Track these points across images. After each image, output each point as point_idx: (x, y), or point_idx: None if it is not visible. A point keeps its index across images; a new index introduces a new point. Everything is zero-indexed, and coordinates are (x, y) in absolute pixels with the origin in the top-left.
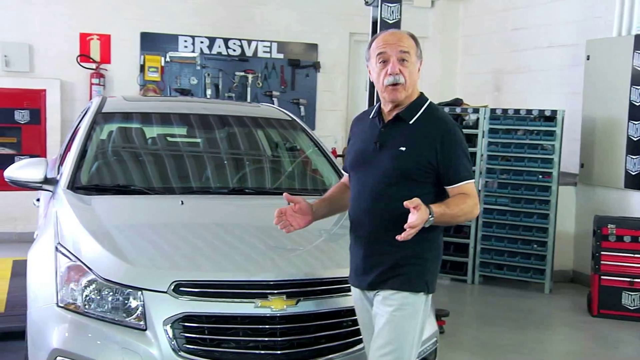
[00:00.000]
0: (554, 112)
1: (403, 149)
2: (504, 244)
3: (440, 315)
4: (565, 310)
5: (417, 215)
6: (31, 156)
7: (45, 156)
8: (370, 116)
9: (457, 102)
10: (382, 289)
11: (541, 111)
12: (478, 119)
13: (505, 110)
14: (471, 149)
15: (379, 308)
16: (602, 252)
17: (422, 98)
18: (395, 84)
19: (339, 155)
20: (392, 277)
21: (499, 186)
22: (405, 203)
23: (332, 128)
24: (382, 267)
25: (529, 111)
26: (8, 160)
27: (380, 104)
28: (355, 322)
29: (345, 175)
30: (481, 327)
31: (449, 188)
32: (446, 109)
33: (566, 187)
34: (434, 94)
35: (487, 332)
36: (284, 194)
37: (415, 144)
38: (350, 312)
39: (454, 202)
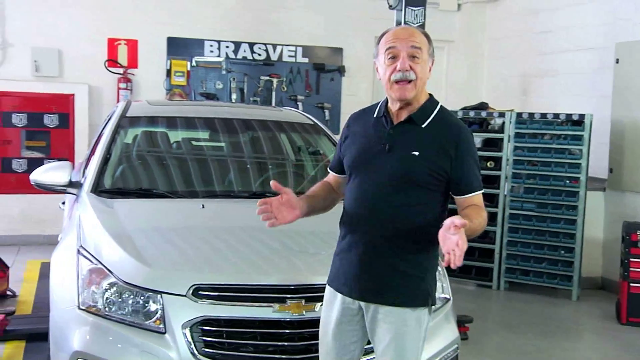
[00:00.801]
0: (582, 116)
1: (416, 153)
2: (530, 249)
3: (463, 322)
4: (593, 318)
5: (462, 235)
6: (60, 160)
7: (73, 160)
8: (375, 115)
9: (482, 106)
10: (381, 303)
11: (568, 115)
12: (504, 123)
13: (531, 115)
14: (496, 154)
15: (378, 325)
16: (631, 259)
17: (432, 100)
18: (403, 81)
19: None
20: (394, 291)
21: (525, 191)
22: (454, 221)
23: None
24: (382, 278)
25: (556, 115)
26: (37, 164)
27: (386, 102)
28: None
29: (331, 174)
30: (506, 333)
31: (460, 198)
32: (471, 113)
33: (595, 193)
34: (459, 98)
35: (511, 339)
36: (272, 181)
37: (428, 149)
38: None
39: (473, 215)
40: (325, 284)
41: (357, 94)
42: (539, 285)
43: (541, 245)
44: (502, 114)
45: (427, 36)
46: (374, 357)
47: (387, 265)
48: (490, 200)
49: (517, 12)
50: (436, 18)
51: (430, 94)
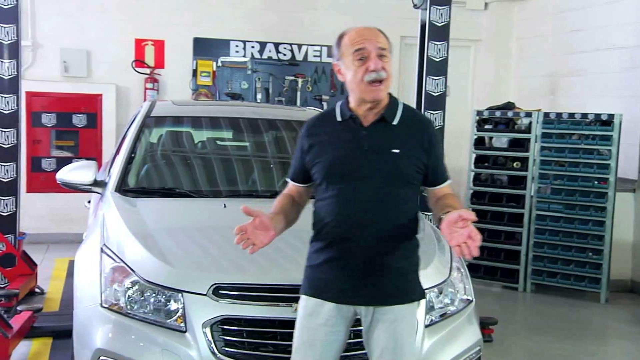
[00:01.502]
0: (611, 116)
1: (397, 151)
2: (558, 251)
3: (487, 324)
4: (622, 322)
5: (473, 227)
6: (87, 159)
7: (100, 159)
8: (340, 119)
9: (508, 105)
10: (385, 304)
11: (597, 115)
12: (530, 123)
13: (559, 114)
14: (523, 154)
15: (377, 326)
16: None
17: (393, 98)
18: (377, 81)
19: None
20: (396, 290)
21: (553, 192)
22: (462, 214)
23: None
24: (383, 280)
25: (584, 115)
26: (66, 163)
27: (343, 106)
28: None
29: (292, 185)
30: (531, 336)
31: (434, 189)
32: (497, 113)
33: (624, 194)
34: (487, 98)
35: (537, 342)
36: (242, 206)
37: (406, 145)
38: None
39: (453, 201)
40: None
41: None
42: (566, 288)
43: (569, 247)
44: (529, 114)
45: (386, 35)
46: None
47: (386, 266)
48: (517, 201)
49: (545, 11)
50: (463, 17)
51: (388, 92)
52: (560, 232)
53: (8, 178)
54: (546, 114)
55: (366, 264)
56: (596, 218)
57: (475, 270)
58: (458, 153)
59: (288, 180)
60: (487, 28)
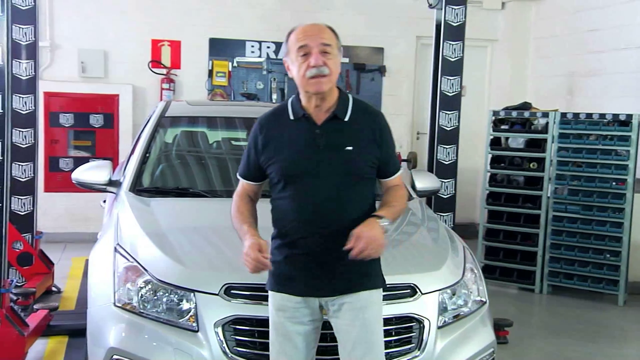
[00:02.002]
0: (629, 116)
1: (350, 148)
2: (575, 253)
3: (502, 325)
4: None
5: (368, 240)
6: (104, 159)
7: (117, 159)
8: (292, 117)
9: (525, 106)
10: (346, 292)
11: (615, 115)
12: (547, 123)
13: (576, 115)
14: (539, 155)
15: (344, 314)
16: None
17: (343, 93)
18: (318, 76)
19: (404, 160)
20: (358, 278)
21: (570, 193)
22: (347, 247)
23: (397, 132)
24: (347, 270)
25: (601, 115)
26: (83, 163)
27: (294, 103)
28: (405, 330)
29: (246, 184)
30: (548, 338)
31: (385, 181)
32: (514, 113)
33: None
34: (503, 98)
35: (553, 344)
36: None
37: (359, 141)
38: (405, 319)
39: (394, 197)
40: None
41: (398, 93)
42: (583, 290)
43: (586, 249)
44: (545, 114)
45: (334, 32)
46: None
47: (345, 257)
48: (533, 202)
49: (563, 11)
50: (479, 16)
51: (338, 87)
52: (577, 234)
53: (25, 178)
54: (563, 114)
55: (326, 257)
56: (614, 219)
57: (491, 271)
58: (474, 153)
59: (240, 178)
60: (503, 28)
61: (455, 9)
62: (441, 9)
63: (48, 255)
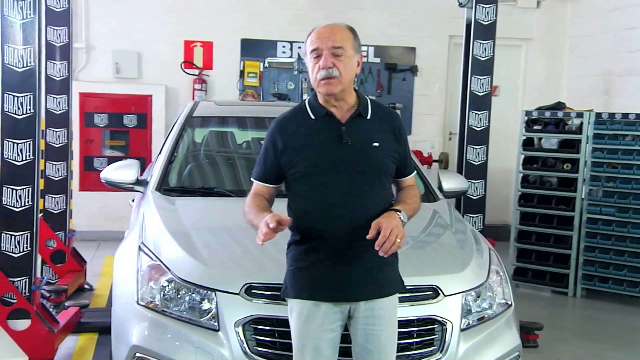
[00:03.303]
0: None
1: (376, 144)
2: (610, 256)
3: (532, 329)
4: None
5: (392, 230)
6: (137, 159)
7: (150, 159)
8: (314, 117)
9: (558, 105)
10: (379, 297)
11: None
12: (582, 123)
13: (611, 115)
14: (573, 156)
15: (371, 320)
16: None
17: (360, 93)
18: (328, 78)
19: (435, 161)
20: (387, 282)
21: (604, 195)
22: (370, 235)
23: (428, 133)
24: (375, 272)
25: (638, 115)
26: None
27: (313, 103)
28: (427, 332)
29: (262, 186)
30: (580, 342)
31: (401, 180)
32: (547, 113)
33: None
34: (538, 97)
35: (585, 348)
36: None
37: (383, 138)
38: (427, 321)
39: (409, 196)
40: None
41: (430, 93)
42: (618, 294)
43: (621, 252)
44: (579, 114)
45: (352, 31)
46: None
47: (374, 259)
48: (567, 203)
49: (599, 9)
50: (514, 15)
51: (354, 88)
52: (612, 236)
53: (59, 177)
54: (598, 115)
55: (357, 260)
56: None
57: (523, 274)
58: (507, 154)
59: (255, 180)
60: (538, 27)
61: (486, 8)
62: (471, 8)
63: (82, 253)
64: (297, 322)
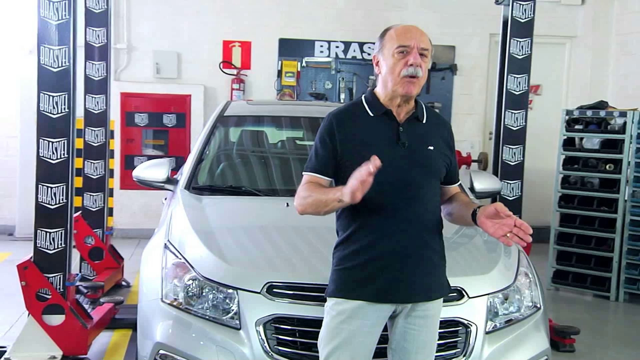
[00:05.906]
0: None
1: (431, 148)
2: None
3: (569, 333)
4: None
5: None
6: (177, 158)
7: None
8: (372, 114)
9: (601, 105)
10: (429, 299)
11: None
12: (625, 123)
13: None
14: (617, 156)
15: (414, 322)
16: None
17: (416, 98)
18: (412, 77)
19: (474, 161)
20: (437, 285)
21: None
22: (497, 208)
23: (468, 132)
24: (426, 275)
25: None
26: None
27: (371, 100)
28: (450, 335)
29: (320, 178)
30: (620, 348)
31: (449, 187)
32: (588, 113)
33: None
34: (583, 96)
35: (626, 355)
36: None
37: (437, 143)
38: (451, 323)
39: (466, 199)
40: None
41: (470, 93)
42: None
43: None
44: (623, 114)
45: (430, 41)
46: None
47: (427, 261)
48: (609, 205)
49: None
50: (558, 13)
51: None
52: None
53: (97, 175)
54: None
55: (409, 260)
56: None
57: (563, 277)
58: (551, 154)
59: (310, 174)
60: (584, 24)
61: (523, 5)
62: (508, 5)
63: (122, 250)
64: (334, 321)
